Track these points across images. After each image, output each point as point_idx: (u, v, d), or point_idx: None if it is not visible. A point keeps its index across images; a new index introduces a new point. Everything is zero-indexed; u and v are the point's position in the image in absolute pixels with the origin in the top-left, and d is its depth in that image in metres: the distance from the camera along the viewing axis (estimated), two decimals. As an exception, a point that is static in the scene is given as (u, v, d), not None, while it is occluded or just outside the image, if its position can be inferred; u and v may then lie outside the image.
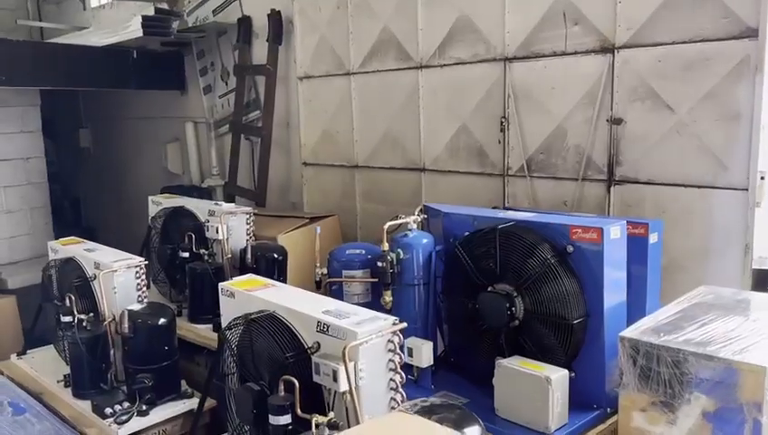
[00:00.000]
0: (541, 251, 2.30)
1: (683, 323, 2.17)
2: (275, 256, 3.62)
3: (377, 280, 2.90)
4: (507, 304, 2.32)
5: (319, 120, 4.80)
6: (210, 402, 3.15)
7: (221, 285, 2.55)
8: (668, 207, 3.07)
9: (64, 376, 3.32)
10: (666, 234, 2.85)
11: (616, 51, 3.15)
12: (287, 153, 5.25)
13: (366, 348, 1.97)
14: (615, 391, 2.24)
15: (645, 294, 2.74)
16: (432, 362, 2.48)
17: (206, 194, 5.82)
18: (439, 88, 3.93)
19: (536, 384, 2.14)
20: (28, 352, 3.79)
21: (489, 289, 2.41)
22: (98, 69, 5.56)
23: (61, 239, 3.82)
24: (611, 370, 2.30)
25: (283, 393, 2.02)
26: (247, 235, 3.89)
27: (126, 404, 3.00)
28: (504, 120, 3.58)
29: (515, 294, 2.35)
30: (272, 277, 3.37)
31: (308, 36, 4.76)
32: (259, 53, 5.24)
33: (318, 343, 2.08)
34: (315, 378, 2.02)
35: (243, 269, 3.68)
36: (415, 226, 2.74)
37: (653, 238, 2.73)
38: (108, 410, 2.95)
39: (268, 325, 2.19)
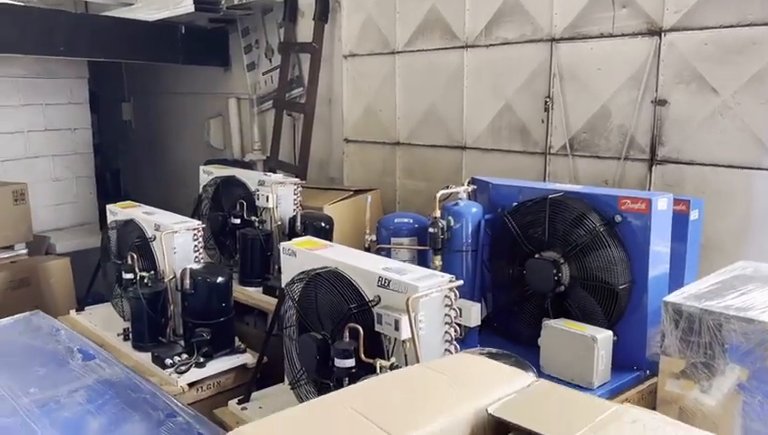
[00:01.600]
0: (590, 220, 2.43)
1: (723, 292, 2.29)
2: (323, 224, 3.78)
3: (425, 247, 3.06)
4: (554, 271, 2.46)
5: (362, 98, 4.94)
6: (261, 358, 3.34)
7: (283, 244, 2.72)
8: (709, 187, 3.16)
9: (124, 330, 3.53)
10: (705, 213, 2.95)
11: (663, 34, 3.24)
12: (328, 129, 5.40)
13: (426, 301, 2.12)
14: (655, 356, 2.37)
15: (683, 271, 2.84)
16: (479, 323, 2.63)
17: (247, 168, 5.98)
18: (484, 67, 4.04)
19: (582, 343, 2.28)
20: (86, 308, 4.02)
21: (536, 256, 2.55)
22: (148, 43, 5.74)
23: (119, 203, 4.03)
24: (652, 336, 2.43)
25: (347, 339, 2.19)
26: (294, 204, 4.05)
27: (184, 356, 3.20)
28: (548, 99, 3.69)
29: (562, 260, 2.49)
30: None
31: (354, 15, 4.88)
32: (304, 30, 5.38)
33: (379, 296, 2.24)
34: (377, 327, 2.18)
35: (291, 236, 3.85)
36: (465, 195, 2.88)
37: (694, 215, 2.83)
38: (168, 361, 3.15)
39: (332, 280, 2.35)
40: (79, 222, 6.93)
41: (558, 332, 2.35)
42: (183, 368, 3.12)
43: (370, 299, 2.25)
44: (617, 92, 3.44)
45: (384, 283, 2.22)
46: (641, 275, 2.42)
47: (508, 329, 2.78)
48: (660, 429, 1.26)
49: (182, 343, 3.34)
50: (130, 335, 3.45)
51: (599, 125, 3.53)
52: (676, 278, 2.75)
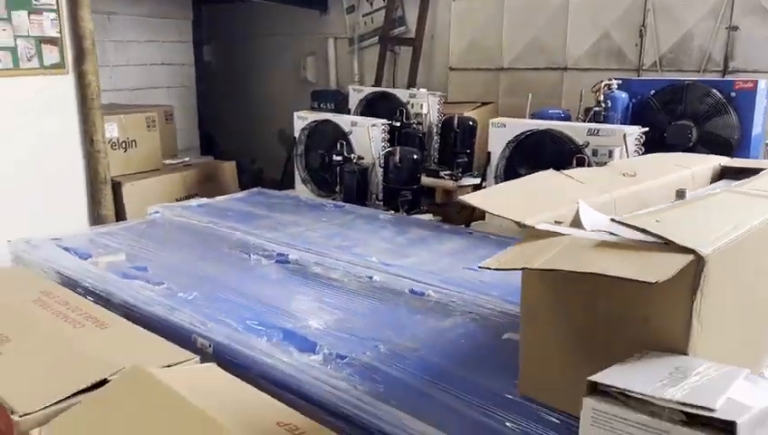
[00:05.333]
0: (713, 96, 3.67)
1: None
2: (470, 123, 4.97)
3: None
4: (688, 131, 3.71)
5: (467, 32, 6.07)
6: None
7: (492, 120, 3.90)
8: (768, 88, 4.43)
9: (333, 198, 4.68)
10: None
11: (738, -23, 4.48)
12: (429, 61, 6.53)
13: (629, 139, 3.34)
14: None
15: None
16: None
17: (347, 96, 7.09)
18: (586, 4, 5.22)
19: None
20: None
21: (673, 123, 3.80)
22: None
23: (303, 111, 5.13)
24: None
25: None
26: (438, 112, 5.21)
27: (391, 212, 4.38)
28: (642, 28, 4.90)
29: (692, 125, 3.74)
30: (471, 139, 4.80)
31: (463, -37, 5.99)
32: (409, -24, 6.47)
33: (588, 141, 3.45)
34: (593, 159, 3.40)
35: (443, 134, 5.05)
36: (615, 86, 4.09)
37: (765, 102, 4.11)
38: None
39: (549, 134, 3.55)
40: (186, 147, 7.93)
41: (697, 166, 3.61)
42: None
43: (581, 144, 3.47)
44: (698, 21, 4.67)
45: (594, 131, 3.43)
46: (747, 132, 3.68)
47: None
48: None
49: (383, 205, 4.51)
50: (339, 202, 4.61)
51: (683, 46, 4.77)
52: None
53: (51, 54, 4.13)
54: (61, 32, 4.15)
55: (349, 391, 1.75)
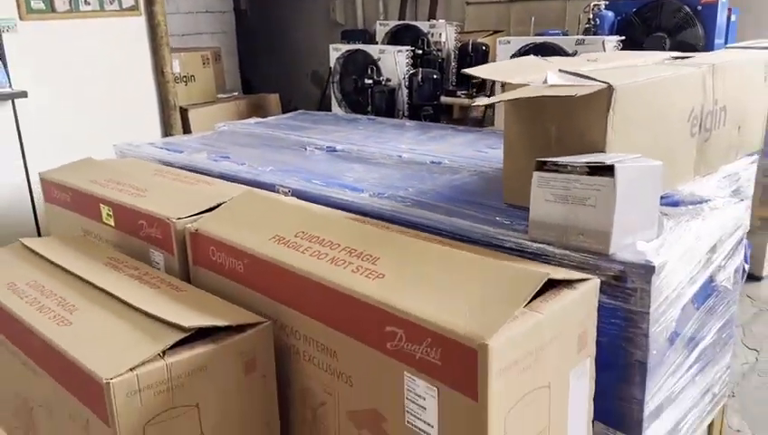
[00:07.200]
0: (683, 10, 4.36)
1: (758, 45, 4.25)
2: (483, 48, 5.69)
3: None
4: (663, 42, 4.42)
5: (481, -31, 6.74)
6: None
7: (499, 39, 4.64)
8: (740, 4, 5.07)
9: (366, 111, 5.49)
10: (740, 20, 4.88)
11: None
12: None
13: (609, 46, 4.08)
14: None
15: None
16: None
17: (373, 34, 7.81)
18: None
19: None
20: (320, 114, 5.94)
21: (650, 36, 4.51)
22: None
23: (337, 44, 5.90)
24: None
25: (564, 71, 4.14)
26: (455, 40, 5.94)
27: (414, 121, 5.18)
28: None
29: (666, 36, 4.44)
30: (484, 62, 5.52)
31: None
32: None
33: (576, 51, 4.19)
34: (578, 65, 4.14)
35: (461, 57, 5.79)
36: (603, 6, 4.78)
37: (733, 18, 4.76)
38: (410, 125, 5.12)
39: (545, 46, 4.29)
40: (230, 88, 8.77)
41: (668, 69, 4.32)
42: (421, 128, 5.10)
43: (570, 52, 4.21)
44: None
45: (581, 42, 4.16)
46: (711, 41, 4.37)
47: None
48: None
49: (407, 118, 5.31)
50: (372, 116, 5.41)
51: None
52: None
53: (127, -2, 4.96)
54: (134, -22, 4.97)
55: (387, 204, 2.61)
